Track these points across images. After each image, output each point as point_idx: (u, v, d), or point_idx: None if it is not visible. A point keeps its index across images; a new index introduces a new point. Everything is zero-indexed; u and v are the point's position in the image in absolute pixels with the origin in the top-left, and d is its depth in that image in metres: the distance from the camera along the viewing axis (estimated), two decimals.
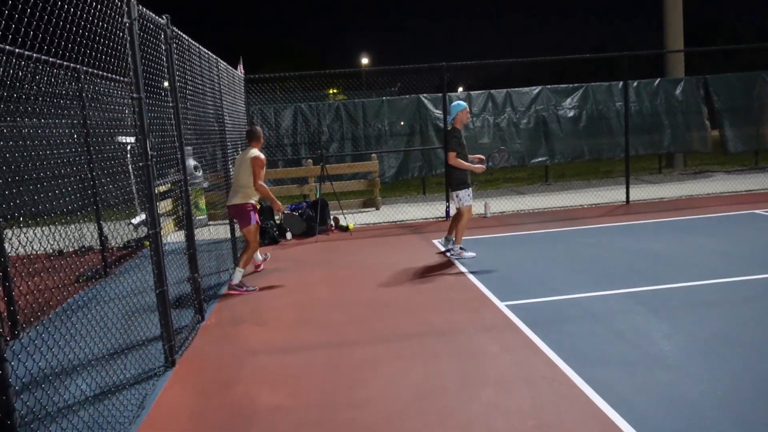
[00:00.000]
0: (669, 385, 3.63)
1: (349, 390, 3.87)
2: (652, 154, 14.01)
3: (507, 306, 5.32)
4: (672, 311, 4.93)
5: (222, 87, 7.46)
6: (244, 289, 6.46)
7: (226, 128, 7.55)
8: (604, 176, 15.03)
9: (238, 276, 6.47)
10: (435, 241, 8.37)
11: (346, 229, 9.73)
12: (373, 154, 12.05)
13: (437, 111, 12.30)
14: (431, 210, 11.16)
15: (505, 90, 12.95)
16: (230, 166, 7.55)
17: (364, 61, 43.02)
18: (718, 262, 6.36)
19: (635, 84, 13.14)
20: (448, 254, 7.46)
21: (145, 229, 9.27)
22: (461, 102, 7.28)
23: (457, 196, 7.19)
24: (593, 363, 4.01)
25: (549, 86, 13.06)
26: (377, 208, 11.95)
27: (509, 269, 6.59)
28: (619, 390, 3.59)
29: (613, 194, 11.54)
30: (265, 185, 6.49)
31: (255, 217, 6.56)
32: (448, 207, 10.26)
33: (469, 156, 7.28)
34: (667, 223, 8.72)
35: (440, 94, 11.39)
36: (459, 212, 7.26)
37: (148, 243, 9.00)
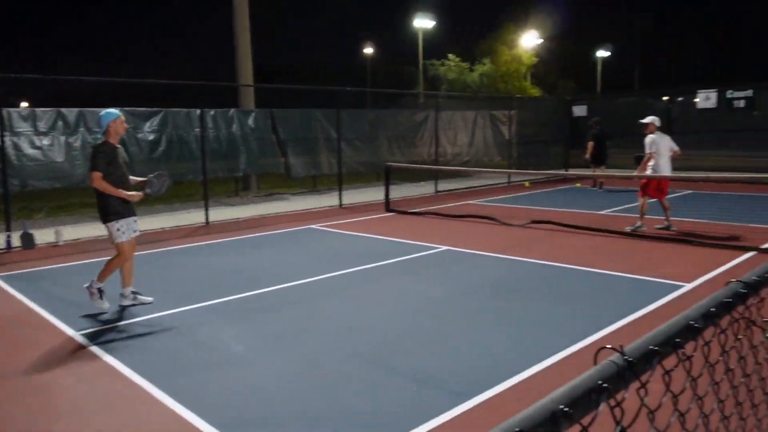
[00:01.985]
0: (241, 379, 4.10)
1: None
2: (230, 177, 15.10)
3: (82, 335, 5.07)
4: (242, 317, 5.51)
5: None
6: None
7: None
8: (187, 199, 15.44)
9: None
10: None
11: None
12: None
13: None
14: None
15: (77, 109, 12.12)
16: None
17: None
18: (281, 270, 7.33)
19: (212, 112, 13.96)
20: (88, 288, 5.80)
21: None
22: (112, 110, 5.84)
23: (109, 229, 5.83)
24: (174, 374, 4.20)
25: (128, 108, 12.77)
26: None
27: (82, 296, 6.19)
28: (198, 393, 3.87)
29: (194, 216, 12.00)
30: None
31: None
32: (8, 237, 9.01)
33: (133, 178, 6.02)
34: (242, 240, 9.57)
35: None
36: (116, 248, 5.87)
37: None
